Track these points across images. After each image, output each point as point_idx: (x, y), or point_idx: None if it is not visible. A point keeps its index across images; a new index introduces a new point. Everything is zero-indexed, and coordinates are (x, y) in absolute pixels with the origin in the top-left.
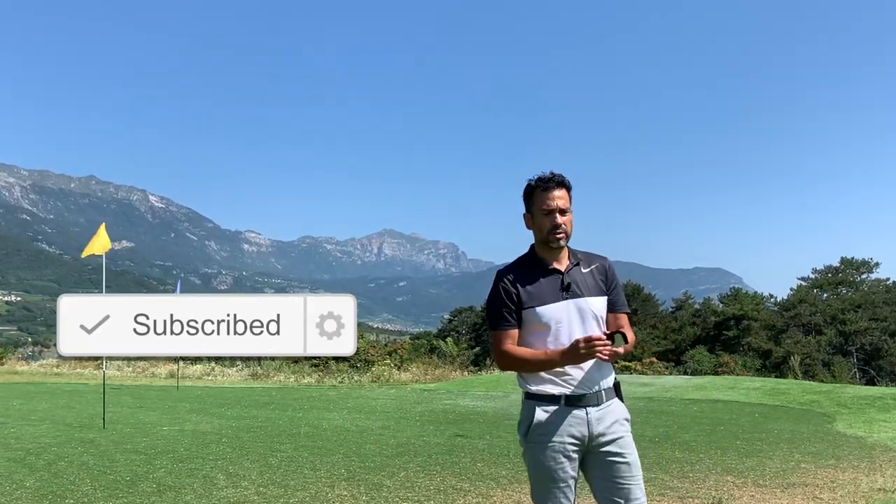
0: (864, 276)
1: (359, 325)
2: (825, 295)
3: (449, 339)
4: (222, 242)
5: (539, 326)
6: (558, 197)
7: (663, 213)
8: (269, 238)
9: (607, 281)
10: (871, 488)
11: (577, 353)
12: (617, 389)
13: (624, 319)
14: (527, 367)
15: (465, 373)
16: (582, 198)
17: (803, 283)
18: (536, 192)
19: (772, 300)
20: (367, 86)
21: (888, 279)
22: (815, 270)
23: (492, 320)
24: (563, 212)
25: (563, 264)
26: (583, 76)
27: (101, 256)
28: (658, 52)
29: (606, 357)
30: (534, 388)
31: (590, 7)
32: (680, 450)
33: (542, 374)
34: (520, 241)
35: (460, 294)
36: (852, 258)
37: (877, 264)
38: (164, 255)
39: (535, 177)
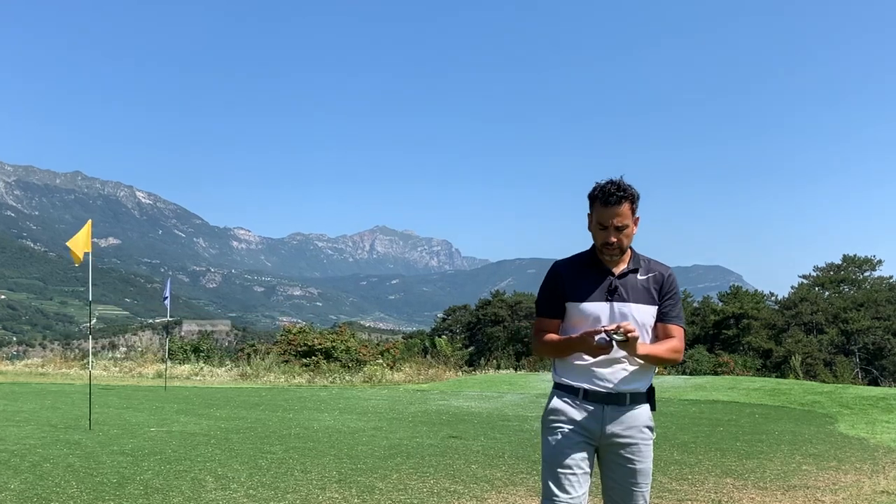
0: (866, 274)
1: (350, 324)
2: (827, 293)
3: (443, 339)
4: (211, 239)
5: (579, 321)
6: (617, 214)
7: (660, 208)
8: (258, 235)
9: (661, 291)
10: (873, 491)
11: (585, 340)
12: (650, 396)
13: (675, 331)
14: (552, 350)
15: (459, 373)
16: (574, 193)
17: (804, 281)
18: (597, 204)
19: (772, 298)
20: (359, 79)
21: (891, 277)
22: (816, 268)
23: (537, 307)
24: (619, 228)
25: (619, 267)
26: (577, 71)
27: (87, 254)
28: (652, 44)
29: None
30: (558, 379)
31: (585, 2)
32: (679, 451)
33: (570, 367)
34: (516, 240)
35: (454, 292)
36: (855, 256)
37: (880, 262)
38: (152, 252)
39: (602, 183)
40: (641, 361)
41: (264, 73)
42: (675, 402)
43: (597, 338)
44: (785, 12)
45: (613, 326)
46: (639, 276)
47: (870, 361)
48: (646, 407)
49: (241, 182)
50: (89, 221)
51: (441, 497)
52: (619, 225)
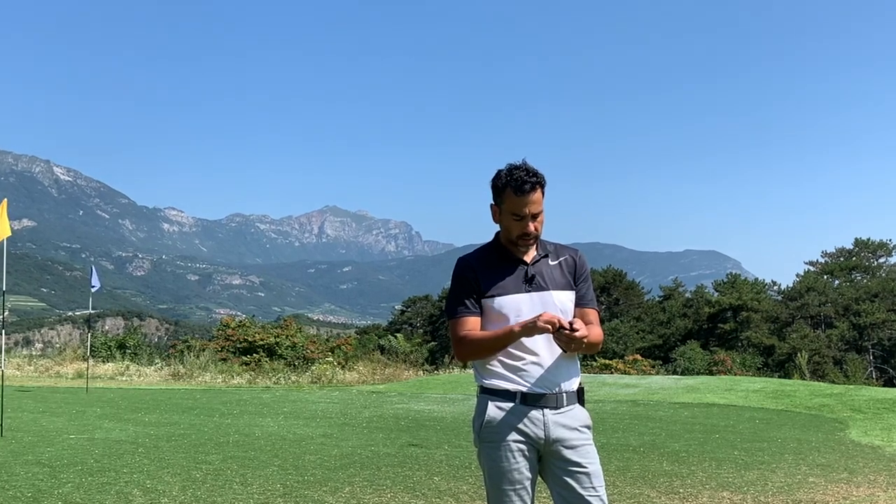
0: (881, 261)
1: (297, 317)
2: (837, 282)
3: (400, 335)
4: (139, 221)
5: (498, 317)
6: (532, 202)
7: (649, 187)
8: (192, 216)
9: (575, 275)
10: None
11: (534, 325)
12: (580, 395)
13: (592, 315)
14: (486, 348)
15: (420, 372)
16: (556, 172)
17: (811, 269)
18: (507, 193)
19: (775, 288)
20: (304, 39)
21: None
22: (824, 254)
23: (450, 308)
24: (535, 216)
25: (529, 255)
26: (555, 39)
27: None
28: (637, 7)
29: (561, 337)
30: (488, 383)
31: None
32: (669, 461)
33: (499, 368)
34: (482, 222)
35: (414, 281)
36: (868, 239)
37: None
38: (72, 235)
39: (507, 169)
40: (573, 353)
41: (193, 33)
42: (664, 406)
43: (562, 342)
44: None
45: (567, 325)
46: (550, 262)
47: (885, 359)
48: (579, 406)
49: (173, 155)
50: (4, 201)
51: None
52: (536, 212)
